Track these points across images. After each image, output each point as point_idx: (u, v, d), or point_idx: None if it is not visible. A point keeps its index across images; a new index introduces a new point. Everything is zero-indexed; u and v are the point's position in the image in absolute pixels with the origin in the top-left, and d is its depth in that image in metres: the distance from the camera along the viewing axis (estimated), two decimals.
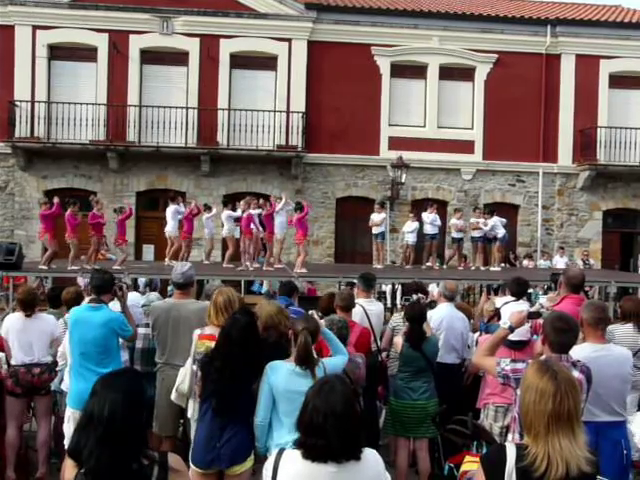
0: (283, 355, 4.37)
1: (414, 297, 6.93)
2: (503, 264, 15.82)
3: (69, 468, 2.70)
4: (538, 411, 2.61)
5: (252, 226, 13.31)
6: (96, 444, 2.54)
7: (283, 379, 4.11)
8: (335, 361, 4.48)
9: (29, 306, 6.36)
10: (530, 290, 9.71)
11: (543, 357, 4.01)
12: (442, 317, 6.87)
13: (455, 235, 15.28)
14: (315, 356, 4.37)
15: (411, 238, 15.10)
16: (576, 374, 3.79)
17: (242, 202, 13.80)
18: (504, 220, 15.51)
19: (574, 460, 2.55)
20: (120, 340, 5.64)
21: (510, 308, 5.91)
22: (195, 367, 4.78)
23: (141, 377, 3.05)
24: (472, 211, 16.55)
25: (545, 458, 2.55)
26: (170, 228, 14.06)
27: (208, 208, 14.88)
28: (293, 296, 7.06)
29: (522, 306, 5.85)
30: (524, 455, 2.61)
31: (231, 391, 4.26)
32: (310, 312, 5.40)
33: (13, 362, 6.23)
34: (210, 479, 4.35)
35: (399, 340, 6.05)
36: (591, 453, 2.63)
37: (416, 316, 5.95)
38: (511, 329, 4.48)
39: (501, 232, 15.08)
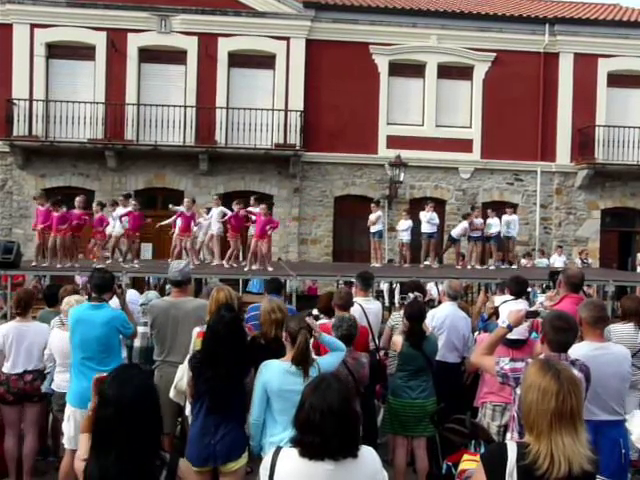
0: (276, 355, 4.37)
1: (411, 295, 6.90)
2: (500, 262, 15.83)
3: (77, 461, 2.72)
4: (541, 410, 2.61)
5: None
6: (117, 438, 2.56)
7: (277, 378, 4.12)
8: (329, 360, 4.49)
9: (25, 306, 6.34)
10: (529, 289, 9.70)
11: (542, 356, 4.02)
12: (445, 316, 6.86)
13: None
14: (312, 356, 4.38)
15: (405, 236, 15.11)
16: (575, 373, 3.79)
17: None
18: (513, 218, 15.59)
19: (577, 459, 2.55)
20: (120, 338, 5.64)
21: (508, 307, 5.91)
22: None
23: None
24: (470, 210, 16.59)
25: (548, 456, 2.54)
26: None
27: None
28: (281, 293, 7.06)
29: (520, 305, 5.85)
30: (525, 453, 2.60)
31: (224, 388, 4.26)
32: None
33: (5, 370, 6.19)
34: (205, 476, 4.36)
35: (399, 339, 6.03)
36: (592, 452, 2.63)
37: (416, 315, 5.94)
38: (510, 328, 4.48)
39: (495, 231, 15.19)
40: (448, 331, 6.79)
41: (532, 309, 5.07)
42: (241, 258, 13.84)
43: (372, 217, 14.90)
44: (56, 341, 5.97)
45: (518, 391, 3.91)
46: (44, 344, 6.23)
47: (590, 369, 4.00)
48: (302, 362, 4.14)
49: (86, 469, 2.67)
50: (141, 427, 2.59)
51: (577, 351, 4.23)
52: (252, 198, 13.69)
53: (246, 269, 12.31)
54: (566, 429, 2.58)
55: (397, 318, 6.78)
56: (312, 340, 4.48)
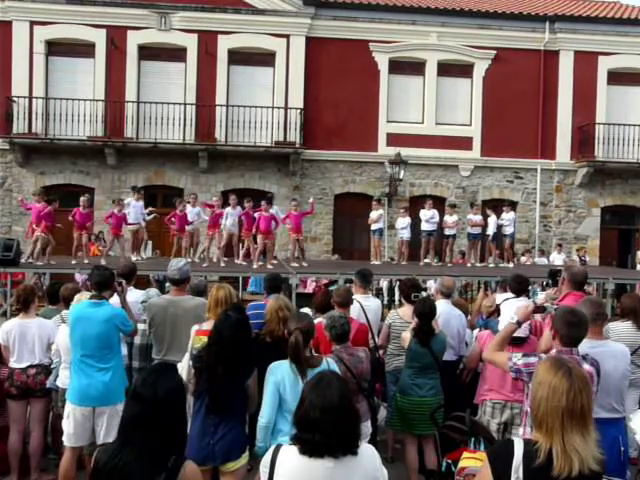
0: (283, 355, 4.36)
1: (423, 294, 6.87)
2: (500, 260, 15.84)
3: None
4: (551, 407, 2.61)
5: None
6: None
7: (289, 377, 4.12)
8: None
9: (25, 303, 6.35)
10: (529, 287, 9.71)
11: (553, 352, 4.03)
12: (439, 314, 6.84)
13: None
14: (312, 355, 4.36)
15: (405, 234, 15.13)
16: (587, 367, 3.83)
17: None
18: (510, 216, 15.55)
19: (587, 457, 2.55)
20: (120, 335, 5.63)
21: (510, 305, 5.91)
22: (191, 363, 4.78)
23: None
24: (469, 207, 16.59)
25: (562, 454, 2.54)
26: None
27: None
28: (281, 291, 7.00)
29: (522, 303, 5.85)
30: (533, 451, 2.60)
31: (224, 388, 4.25)
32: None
33: (10, 365, 6.21)
34: (205, 475, 4.34)
35: (407, 335, 6.03)
36: (600, 452, 2.63)
37: (426, 312, 5.93)
38: (519, 324, 4.51)
39: (491, 230, 15.21)
40: (442, 329, 6.78)
41: (539, 304, 5.07)
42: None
43: (374, 215, 14.89)
44: (62, 337, 5.98)
45: (531, 386, 3.93)
46: (47, 339, 6.25)
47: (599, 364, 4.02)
48: (296, 362, 4.14)
49: (98, 460, 2.67)
50: (168, 427, 2.61)
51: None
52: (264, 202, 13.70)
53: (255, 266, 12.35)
54: (577, 427, 2.58)
55: (394, 316, 6.76)
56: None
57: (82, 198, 12.94)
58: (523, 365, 3.98)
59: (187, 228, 13.39)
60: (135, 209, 13.72)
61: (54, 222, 12.47)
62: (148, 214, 14.44)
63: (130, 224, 13.51)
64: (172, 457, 2.64)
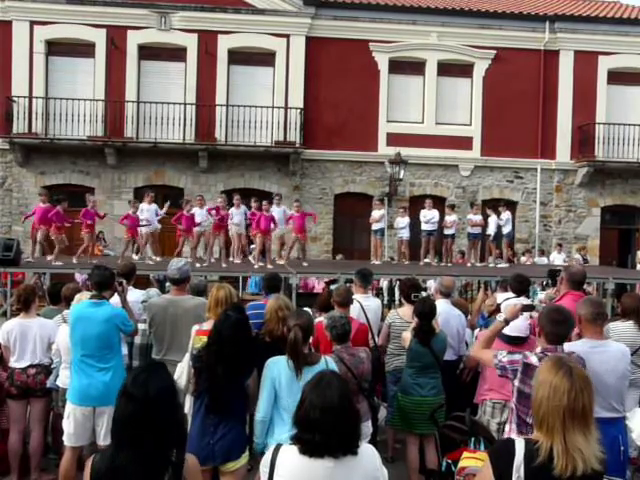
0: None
1: (423, 294, 6.88)
2: (499, 260, 15.85)
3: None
4: (552, 406, 2.61)
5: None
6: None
7: (285, 374, 4.12)
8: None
9: (25, 302, 6.35)
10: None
11: (538, 349, 4.04)
12: (438, 313, 6.84)
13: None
14: (310, 352, 4.37)
15: (405, 234, 15.14)
16: None
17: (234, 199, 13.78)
18: (506, 216, 15.53)
19: (590, 457, 2.55)
20: (120, 335, 5.63)
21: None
22: (191, 363, 4.77)
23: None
24: (469, 207, 16.59)
25: (563, 454, 2.54)
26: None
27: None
28: (280, 291, 6.97)
29: (513, 300, 5.85)
30: (534, 450, 2.60)
31: (224, 388, 4.25)
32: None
33: (11, 365, 6.21)
34: (205, 475, 4.35)
35: (408, 335, 6.03)
36: (601, 451, 2.63)
37: (426, 312, 5.94)
38: (506, 322, 4.52)
39: (492, 230, 15.21)
40: (442, 328, 6.78)
41: (528, 303, 5.08)
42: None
43: (376, 214, 14.90)
44: (62, 337, 5.99)
45: (516, 383, 3.94)
46: (48, 339, 6.25)
47: (586, 362, 4.03)
48: (294, 358, 4.15)
49: (98, 470, 2.64)
50: (162, 426, 2.58)
51: (575, 348, 4.24)
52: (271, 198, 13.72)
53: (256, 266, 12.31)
54: (578, 427, 2.58)
55: (394, 316, 6.77)
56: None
57: (91, 198, 12.98)
58: (508, 362, 4.01)
59: (195, 229, 13.39)
60: (149, 213, 13.68)
61: (64, 221, 12.46)
62: (160, 208, 14.31)
63: (145, 225, 13.49)
64: (174, 451, 2.63)
